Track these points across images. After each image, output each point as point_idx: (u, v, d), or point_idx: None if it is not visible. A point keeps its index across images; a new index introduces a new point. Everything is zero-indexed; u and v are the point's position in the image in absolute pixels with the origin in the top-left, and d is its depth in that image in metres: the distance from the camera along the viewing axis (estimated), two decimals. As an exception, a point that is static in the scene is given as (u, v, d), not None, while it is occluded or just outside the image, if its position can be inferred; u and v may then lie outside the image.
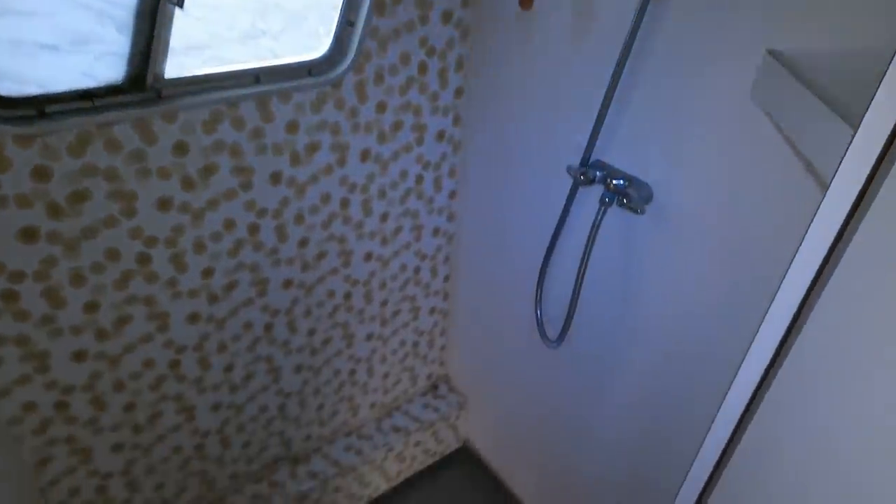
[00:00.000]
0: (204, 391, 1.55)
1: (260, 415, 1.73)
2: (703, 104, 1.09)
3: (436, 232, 1.82)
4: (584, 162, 1.31)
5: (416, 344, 2.02)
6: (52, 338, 1.24)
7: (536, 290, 1.57)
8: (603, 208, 1.29)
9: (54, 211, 1.13)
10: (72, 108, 1.09)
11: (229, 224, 1.36)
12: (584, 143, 1.29)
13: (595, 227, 1.30)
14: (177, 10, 1.09)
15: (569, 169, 1.34)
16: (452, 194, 1.78)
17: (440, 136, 1.64)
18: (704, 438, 0.77)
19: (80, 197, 1.14)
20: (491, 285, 1.86)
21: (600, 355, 1.53)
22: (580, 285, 1.38)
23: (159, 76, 1.16)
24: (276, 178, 1.38)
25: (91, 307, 1.26)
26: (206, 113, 1.21)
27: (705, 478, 0.78)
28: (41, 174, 1.09)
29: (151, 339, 1.39)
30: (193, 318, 1.42)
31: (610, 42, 1.18)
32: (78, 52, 1.07)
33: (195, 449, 1.63)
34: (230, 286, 1.44)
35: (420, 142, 1.60)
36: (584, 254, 1.34)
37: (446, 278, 1.96)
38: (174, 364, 1.46)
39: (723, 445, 0.75)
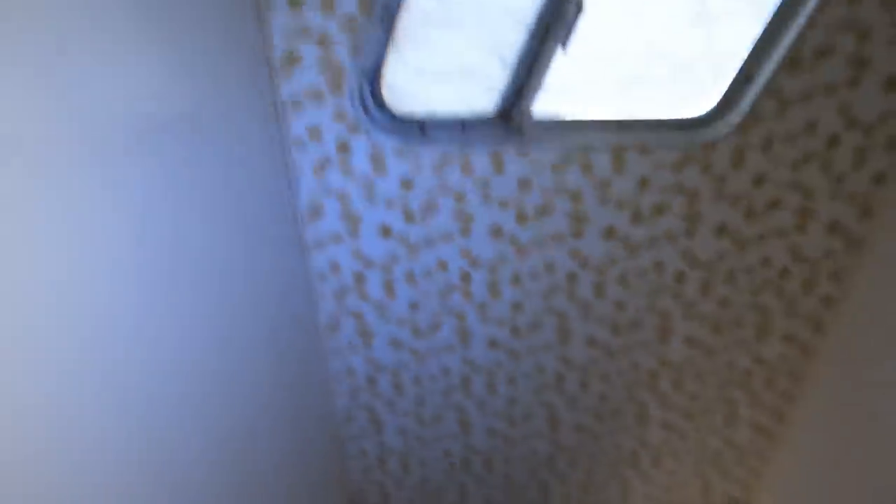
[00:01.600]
0: (484, 413, 1.58)
1: (528, 455, 1.68)
2: None
3: (788, 338, 1.45)
4: None
5: (719, 454, 1.68)
6: (382, 322, 1.41)
7: (921, 472, 1.10)
8: None
9: (409, 217, 1.27)
10: (446, 133, 1.19)
11: (549, 266, 1.32)
12: None
13: None
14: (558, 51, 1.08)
15: None
16: (827, 301, 1.38)
17: (832, 227, 1.28)
18: None
19: (428, 208, 1.25)
20: (850, 431, 1.40)
21: None
22: None
23: (526, 113, 1.17)
24: (609, 232, 1.27)
25: (414, 306, 1.39)
26: (557, 155, 1.19)
27: None
28: (407, 184, 1.22)
29: (453, 351, 1.46)
30: (493, 343, 1.44)
31: None
32: (464, 83, 1.16)
33: (462, 461, 1.68)
34: (534, 326, 1.41)
35: (801, 230, 1.28)
36: None
37: (787, 396, 1.56)
38: (466, 380, 1.51)
39: None
